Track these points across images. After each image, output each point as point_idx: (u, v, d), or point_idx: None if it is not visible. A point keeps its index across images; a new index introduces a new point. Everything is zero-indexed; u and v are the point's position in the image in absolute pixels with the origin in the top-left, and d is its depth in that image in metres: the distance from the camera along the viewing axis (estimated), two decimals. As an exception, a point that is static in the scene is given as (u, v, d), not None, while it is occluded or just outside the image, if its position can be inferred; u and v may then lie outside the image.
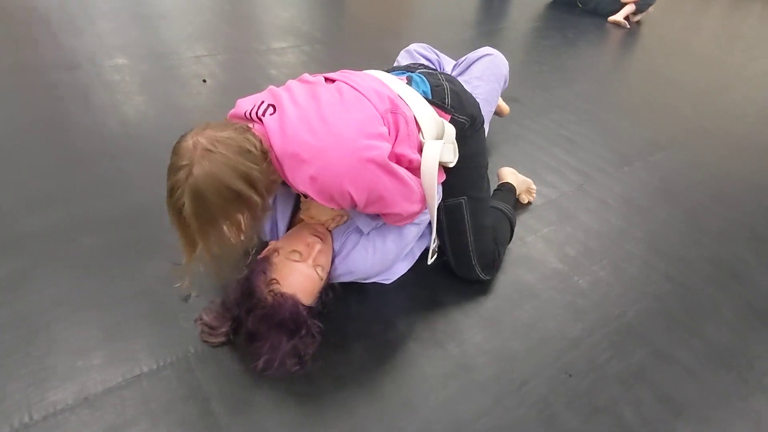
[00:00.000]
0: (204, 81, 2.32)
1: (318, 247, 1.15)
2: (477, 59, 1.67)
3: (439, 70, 1.59)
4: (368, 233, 1.23)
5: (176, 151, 0.93)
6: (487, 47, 1.72)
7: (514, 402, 1.10)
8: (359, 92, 1.08)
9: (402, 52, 1.79)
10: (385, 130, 1.06)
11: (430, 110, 1.19)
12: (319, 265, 1.14)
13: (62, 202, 1.48)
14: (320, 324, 1.09)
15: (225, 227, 0.94)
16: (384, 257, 1.23)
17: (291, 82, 1.12)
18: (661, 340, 1.30)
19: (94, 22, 2.78)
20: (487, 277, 1.38)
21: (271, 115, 1.02)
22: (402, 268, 1.37)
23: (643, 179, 2.02)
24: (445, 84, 1.30)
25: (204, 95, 2.20)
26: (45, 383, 1.01)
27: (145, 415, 0.98)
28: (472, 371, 1.16)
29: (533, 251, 1.55)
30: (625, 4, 4.12)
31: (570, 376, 1.18)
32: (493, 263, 1.39)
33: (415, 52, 1.76)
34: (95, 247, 1.34)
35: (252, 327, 1.05)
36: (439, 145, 1.15)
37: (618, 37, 3.95)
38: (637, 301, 1.42)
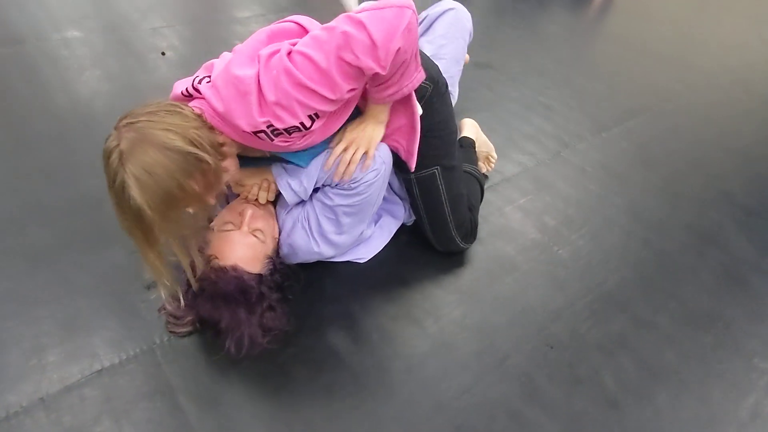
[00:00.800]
0: (163, 54, 2.17)
1: (249, 212, 1.09)
2: (439, 16, 1.55)
3: None
4: (295, 208, 1.15)
5: (104, 152, 0.82)
6: (448, 0, 1.61)
7: (495, 378, 1.08)
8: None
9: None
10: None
11: None
12: (257, 229, 1.08)
13: (8, 189, 1.36)
14: (277, 294, 1.06)
15: (183, 203, 0.84)
16: (322, 237, 1.13)
17: (225, 53, 1.03)
18: (640, 306, 1.30)
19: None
20: (467, 246, 1.35)
21: (208, 83, 0.94)
22: (377, 246, 1.32)
23: (620, 146, 2.00)
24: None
25: (163, 69, 2.07)
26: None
27: (108, 414, 0.92)
28: (452, 348, 1.13)
29: (512, 222, 1.51)
30: None
31: (552, 348, 1.16)
32: (472, 231, 1.35)
33: None
34: (46, 237, 1.24)
35: (205, 311, 1.02)
36: None
37: (595, 3, 3.89)
38: (616, 269, 1.40)
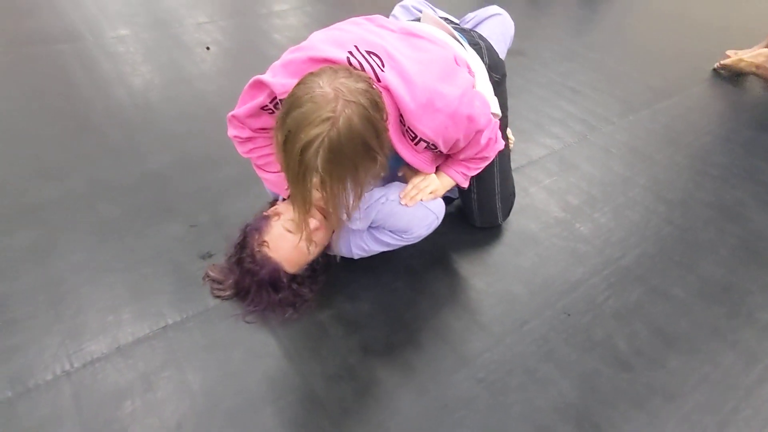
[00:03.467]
0: (207, 48, 2.33)
1: (314, 224, 1.15)
2: (485, 18, 1.63)
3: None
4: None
5: (313, 99, 0.84)
6: (495, 6, 1.67)
7: (514, 339, 1.17)
8: (435, 43, 1.10)
9: (397, 7, 1.77)
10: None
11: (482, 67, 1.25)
12: (313, 242, 1.13)
13: (75, 171, 1.54)
14: (308, 288, 1.19)
15: (347, 185, 0.92)
16: (361, 249, 1.24)
17: (358, 24, 1.10)
18: (657, 278, 1.35)
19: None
20: (504, 220, 1.46)
21: (381, 68, 0.97)
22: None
23: (647, 127, 2.03)
24: (480, 42, 1.32)
25: (209, 62, 2.22)
26: (80, 337, 1.10)
27: (173, 362, 1.07)
28: (475, 313, 1.23)
29: (536, 201, 1.59)
30: None
31: (569, 315, 1.24)
32: (511, 207, 1.47)
33: (412, 7, 1.74)
34: (113, 213, 1.41)
35: (239, 278, 1.17)
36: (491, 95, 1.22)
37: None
38: (637, 245, 1.46)
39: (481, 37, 1.36)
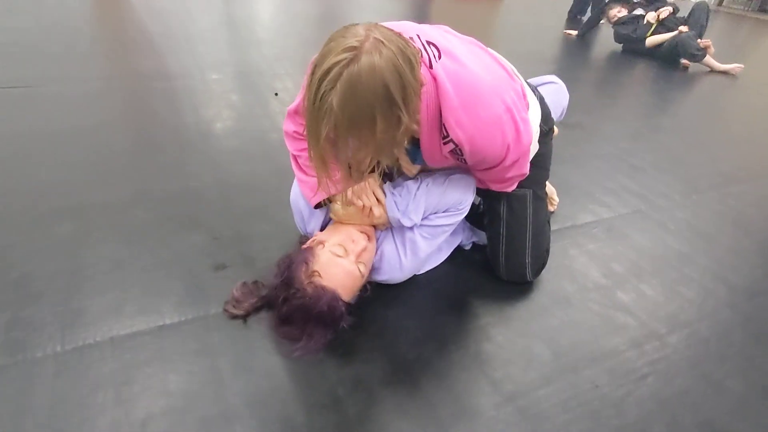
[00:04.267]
0: (276, 94, 2.50)
1: (363, 244, 1.13)
2: (541, 84, 1.64)
3: None
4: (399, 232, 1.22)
5: (343, 33, 0.82)
6: (553, 75, 1.69)
7: (527, 402, 1.02)
8: (497, 61, 1.10)
9: None
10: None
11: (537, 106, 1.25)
12: (361, 263, 1.11)
13: (126, 180, 1.65)
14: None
15: (361, 135, 0.86)
16: (414, 255, 1.21)
17: (423, 24, 1.06)
18: (710, 365, 1.16)
19: (192, 42, 3.13)
20: (533, 278, 1.35)
21: (437, 59, 0.95)
22: (433, 262, 1.35)
23: (712, 208, 1.86)
24: (535, 92, 1.31)
25: (273, 105, 2.37)
26: (79, 321, 1.10)
27: (159, 360, 1.03)
28: (487, 367, 1.10)
29: (575, 263, 1.46)
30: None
31: (597, 386, 1.07)
32: (542, 266, 1.35)
33: None
34: (145, 219, 1.46)
35: (287, 314, 1.06)
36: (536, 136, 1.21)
37: (684, 66, 3.74)
38: (688, 324, 1.28)
39: (536, 89, 1.34)
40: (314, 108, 0.83)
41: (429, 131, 1.02)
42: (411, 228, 1.20)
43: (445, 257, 1.37)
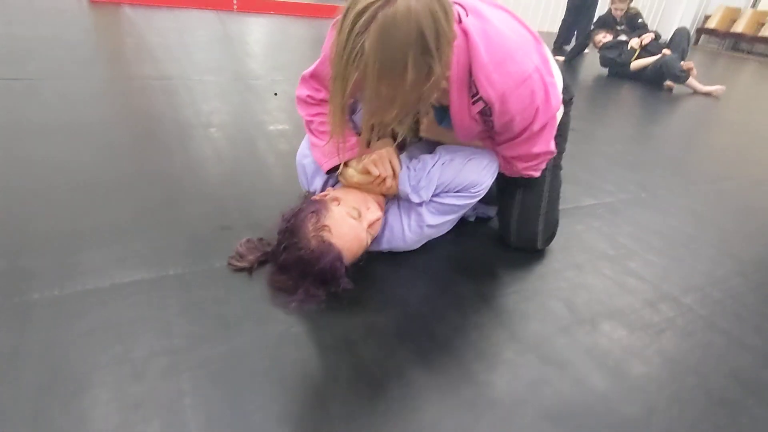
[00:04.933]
0: (275, 94, 2.52)
1: (378, 214, 1.10)
2: None
3: None
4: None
5: None
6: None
7: (549, 350, 0.99)
8: (524, 26, 1.06)
9: None
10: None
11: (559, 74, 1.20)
12: (370, 233, 1.09)
13: (131, 161, 1.63)
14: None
15: (391, 84, 0.83)
16: (419, 228, 1.18)
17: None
18: (728, 324, 1.14)
19: (189, 51, 3.17)
20: (544, 247, 1.33)
21: (465, 15, 0.95)
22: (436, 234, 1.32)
23: (711, 197, 1.89)
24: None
25: (273, 103, 2.39)
26: (79, 269, 1.05)
27: (161, 306, 0.98)
28: (504, 319, 1.06)
29: (582, 236, 1.46)
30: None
31: (617, 338, 1.04)
32: (552, 235, 1.34)
33: None
34: (149, 192, 1.43)
35: (285, 263, 1.01)
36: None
37: (668, 88, 3.88)
38: (701, 288, 1.27)
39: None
40: (344, 51, 0.80)
41: (459, 89, 1.00)
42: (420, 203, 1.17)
43: (450, 228, 1.34)
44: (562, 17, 5.17)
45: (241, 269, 1.12)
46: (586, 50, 5.14)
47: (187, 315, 0.97)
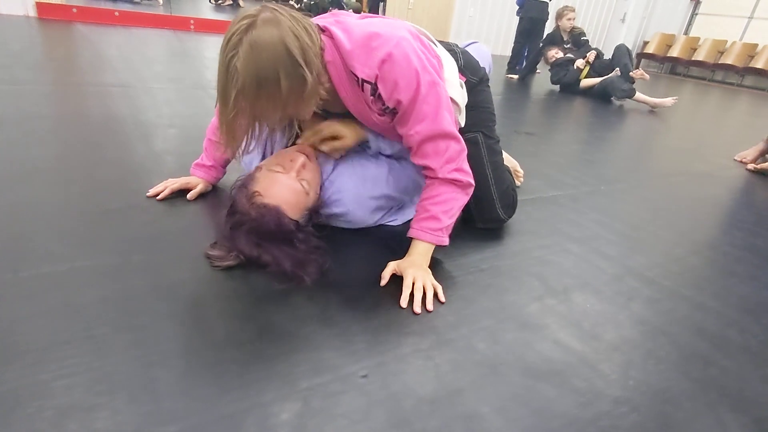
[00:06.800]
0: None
1: (301, 160, 1.12)
2: (466, 45, 1.71)
3: None
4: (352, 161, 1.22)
5: (242, 12, 0.90)
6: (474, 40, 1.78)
7: (525, 317, 0.99)
8: (387, 19, 1.12)
9: None
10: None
11: (452, 61, 1.24)
12: (303, 179, 1.10)
13: (84, 150, 1.56)
14: (317, 235, 1.08)
15: (268, 95, 0.89)
16: (374, 178, 1.19)
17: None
18: (690, 292, 1.19)
19: (150, 64, 3.11)
20: (507, 218, 1.38)
21: (330, 25, 1.01)
22: (409, 215, 1.33)
23: (665, 189, 2.01)
24: (456, 49, 1.37)
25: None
26: (36, 253, 0.99)
27: (125, 292, 0.93)
28: (480, 294, 1.07)
29: (547, 220, 1.50)
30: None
31: (589, 306, 1.07)
32: (513, 202, 1.38)
33: None
34: (114, 179, 1.38)
35: (243, 247, 1.02)
36: (456, 83, 1.20)
37: (616, 105, 4.12)
38: (661, 264, 1.32)
39: (457, 46, 1.38)
40: (223, 74, 0.88)
41: (343, 83, 1.04)
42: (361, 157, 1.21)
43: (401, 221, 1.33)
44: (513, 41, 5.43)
45: (232, 264, 1.04)
46: (538, 69, 5.39)
47: (153, 296, 0.92)
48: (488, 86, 1.40)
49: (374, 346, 0.86)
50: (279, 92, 0.89)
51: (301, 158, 1.13)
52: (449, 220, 1.10)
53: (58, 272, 0.94)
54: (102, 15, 4.77)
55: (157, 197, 1.28)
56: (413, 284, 1.01)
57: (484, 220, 1.35)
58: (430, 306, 0.98)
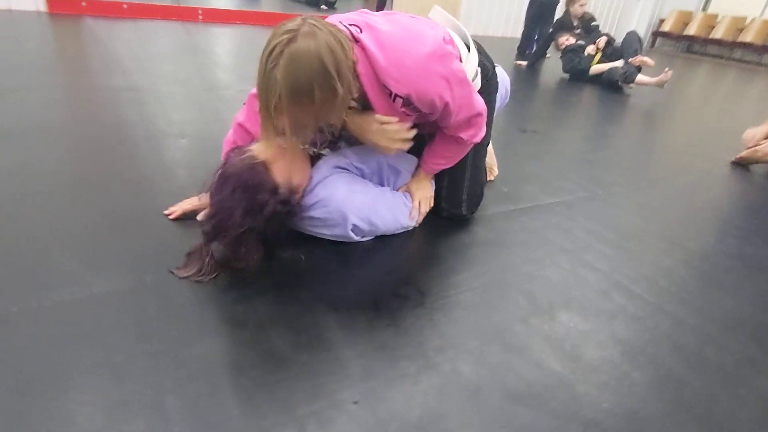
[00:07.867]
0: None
1: (289, 153, 1.19)
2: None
3: None
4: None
5: (282, 25, 0.99)
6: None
7: (511, 337, 1.06)
8: (413, 17, 1.20)
9: None
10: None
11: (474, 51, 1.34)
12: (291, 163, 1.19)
13: (96, 161, 1.64)
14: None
15: (302, 103, 0.99)
16: (363, 191, 1.28)
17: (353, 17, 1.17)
18: (673, 307, 1.24)
19: (158, 63, 3.17)
20: (469, 215, 1.54)
21: (360, 33, 1.09)
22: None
23: (662, 193, 2.03)
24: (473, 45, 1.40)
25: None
26: (56, 278, 1.08)
27: (139, 315, 1.02)
28: (463, 312, 1.14)
29: (540, 231, 1.55)
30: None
31: (572, 326, 1.13)
32: (477, 204, 1.53)
33: None
34: (125, 198, 1.46)
35: (214, 190, 1.13)
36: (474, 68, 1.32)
37: (627, 89, 4.08)
38: (649, 278, 1.37)
39: (476, 42, 1.41)
40: (262, 82, 0.99)
41: (376, 95, 1.15)
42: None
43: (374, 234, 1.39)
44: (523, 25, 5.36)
45: (211, 270, 1.14)
46: (548, 54, 5.33)
47: (165, 319, 1.00)
48: (494, 77, 1.45)
49: (367, 370, 0.93)
50: (312, 102, 0.99)
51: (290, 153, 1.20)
52: (453, 162, 1.39)
53: (78, 300, 1.03)
54: (111, 8, 4.81)
55: (170, 217, 1.36)
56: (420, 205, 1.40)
57: (449, 208, 1.50)
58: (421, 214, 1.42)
